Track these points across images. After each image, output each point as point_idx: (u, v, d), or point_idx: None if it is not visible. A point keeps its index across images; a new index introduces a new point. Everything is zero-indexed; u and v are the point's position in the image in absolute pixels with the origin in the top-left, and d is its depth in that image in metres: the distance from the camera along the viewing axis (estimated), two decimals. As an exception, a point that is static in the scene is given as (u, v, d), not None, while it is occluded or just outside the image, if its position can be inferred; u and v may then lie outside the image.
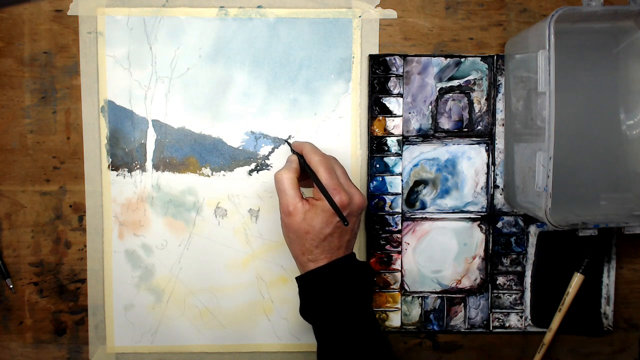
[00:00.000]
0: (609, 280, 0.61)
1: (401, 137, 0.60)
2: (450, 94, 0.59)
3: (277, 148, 0.60)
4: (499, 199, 0.60)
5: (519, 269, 0.61)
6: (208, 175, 0.60)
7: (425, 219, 0.61)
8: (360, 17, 0.59)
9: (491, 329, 0.62)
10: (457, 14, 0.59)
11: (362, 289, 0.53)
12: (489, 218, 0.60)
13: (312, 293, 0.52)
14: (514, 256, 0.61)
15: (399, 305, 0.61)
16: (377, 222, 0.60)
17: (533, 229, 0.61)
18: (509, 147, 0.58)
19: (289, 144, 0.58)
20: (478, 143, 0.60)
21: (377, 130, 0.59)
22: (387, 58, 0.59)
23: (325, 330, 0.51)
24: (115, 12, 0.58)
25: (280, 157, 0.60)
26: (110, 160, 0.59)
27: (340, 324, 0.51)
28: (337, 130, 0.60)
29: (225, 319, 0.61)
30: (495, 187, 0.60)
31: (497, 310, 0.61)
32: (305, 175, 0.53)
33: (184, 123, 0.59)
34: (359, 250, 0.61)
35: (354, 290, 0.52)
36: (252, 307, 0.61)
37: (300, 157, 0.53)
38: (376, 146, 0.60)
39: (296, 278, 0.53)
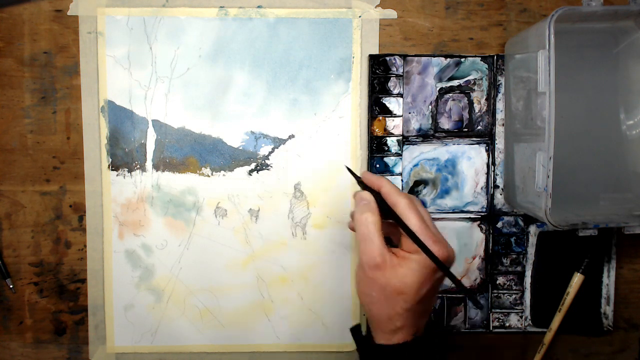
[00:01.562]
0: (609, 280, 0.61)
1: (401, 137, 0.60)
2: (450, 94, 0.59)
3: (277, 148, 0.60)
4: (499, 199, 0.60)
5: (519, 269, 0.61)
6: (208, 175, 0.60)
7: (425, 219, 0.61)
8: (360, 17, 0.59)
9: (491, 329, 0.62)
10: (457, 14, 0.59)
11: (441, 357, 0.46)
12: (489, 218, 0.60)
13: None
14: (514, 256, 0.61)
15: (399, 305, 0.61)
16: (377, 222, 0.60)
17: (533, 229, 0.61)
18: (509, 147, 0.58)
19: (356, 176, 0.49)
20: (478, 143, 0.60)
21: (377, 130, 0.59)
22: (387, 58, 0.59)
23: None
24: (115, 12, 0.58)
25: (280, 157, 0.60)
26: (110, 160, 0.59)
27: None
28: (337, 130, 0.60)
29: (225, 319, 0.61)
30: (495, 187, 0.60)
31: (497, 310, 0.61)
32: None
33: (184, 123, 0.59)
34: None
35: None
36: (252, 307, 0.61)
37: (377, 196, 0.46)
38: (376, 146, 0.60)
39: (376, 346, 0.44)
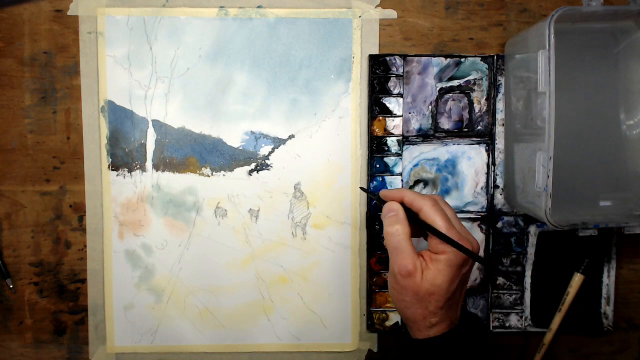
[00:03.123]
0: (609, 280, 0.61)
1: (401, 137, 0.60)
2: (450, 94, 0.59)
3: (277, 148, 0.60)
4: (499, 199, 0.60)
5: (519, 269, 0.61)
6: (208, 175, 0.60)
7: (425, 219, 0.61)
8: (360, 17, 0.59)
9: (491, 329, 0.62)
10: (457, 14, 0.59)
11: (480, 345, 0.49)
12: (489, 218, 0.60)
13: (431, 358, 0.46)
14: (514, 256, 0.61)
15: (399, 305, 0.61)
16: (377, 222, 0.60)
17: (533, 229, 0.61)
18: (509, 147, 0.58)
19: (374, 195, 0.52)
20: (478, 143, 0.60)
21: (377, 130, 0.59)
22: (387, 58, 0.59)
23: None
24: (115, 12, 0.58)
25: (280, 157, 0.60)
26: (110, 160, 0.59)
27: None
28: (337, 130, 0.60)
29: (225, 319, 0.61)
30: (495, 187, 0.60)
31: (497, 310, 0.61)
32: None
33: (184, 123, 0.59)
34: (359, 250, 0.61)
35: (474, 351, 0.48)
36: (252, 307, 0.61)
37: (403, 205, 0.48)
38: (376, 146, 0.60)
39: (415, 341, 0.47)
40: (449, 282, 0.45)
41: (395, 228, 0.46)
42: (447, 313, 0.46)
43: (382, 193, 0.50)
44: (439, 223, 0.45)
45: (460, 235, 0.45)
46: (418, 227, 0.47)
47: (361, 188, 0.53)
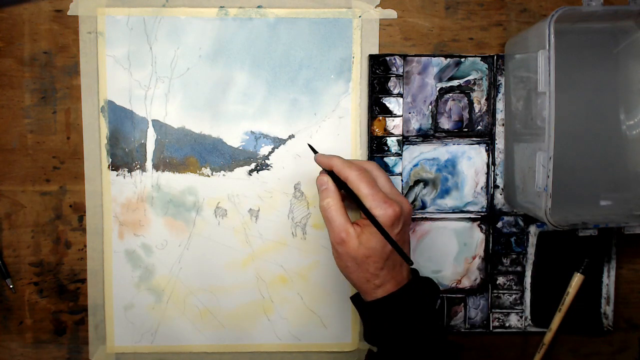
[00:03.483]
0: (609, 280, 0.61)
1: (401, 137, 0.60)
2: (450, 94, 0.59)
3: (277, 148, 0.60)
4: (499, 199, 0.60)
5: (519, 269, 0.61)
6: (208, 175, 0.60)
7: (425, 219, 0.61)
8: (360, 17, 0.59)
9: (491, 329, 0.62)
10: (457, 14, 0.59)
11: (432, 307, 0.51)
12: (489, 218, 0.60)
13: (383, 319, 0.49)
14: (514, 256, 0.61)
15: (399, 305, 0.61)
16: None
17: (533, 229, 0.61)
18: (509, 147, 0.58)
19: (314, 150, 0.53)
20: (478, 143, 0.60)
21: (377, 130, 0.59)
22: (387, 58, 0.59)
23: (397, 353, 0.49)
24: (115, 12, 0.58)
25: (280, 157, 0.60)
26: (110, 160, 0.60)
27: (415, 346, 0.48)
28: (337, 130, 0.60)
29: (225, 319, 0.61)
30: (495, 187, 0.60)
31: (497, 310, 0.61)
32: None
33: (184, 123, 0.59)
34: (359, 250, 0.61)
35: (425, 311, 0.50)
36: (252, 307, 0.61)
37: (332, 174, 0.50)
38: (376, 146, 0.60)
39: (366, 303, 0.50)
40: (382, 243, 0.47)
41: (326, 202, 0.49)
42: (391, 274, 0.48)
43: (317, 158, 0.52)
44: (363, 190, 0.47)
45: (386, 198, 0.47)
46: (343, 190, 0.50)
47: (310, 145, 0.54)
